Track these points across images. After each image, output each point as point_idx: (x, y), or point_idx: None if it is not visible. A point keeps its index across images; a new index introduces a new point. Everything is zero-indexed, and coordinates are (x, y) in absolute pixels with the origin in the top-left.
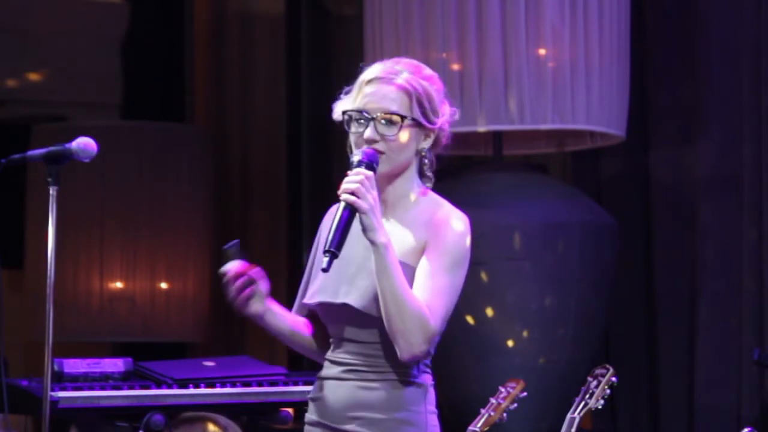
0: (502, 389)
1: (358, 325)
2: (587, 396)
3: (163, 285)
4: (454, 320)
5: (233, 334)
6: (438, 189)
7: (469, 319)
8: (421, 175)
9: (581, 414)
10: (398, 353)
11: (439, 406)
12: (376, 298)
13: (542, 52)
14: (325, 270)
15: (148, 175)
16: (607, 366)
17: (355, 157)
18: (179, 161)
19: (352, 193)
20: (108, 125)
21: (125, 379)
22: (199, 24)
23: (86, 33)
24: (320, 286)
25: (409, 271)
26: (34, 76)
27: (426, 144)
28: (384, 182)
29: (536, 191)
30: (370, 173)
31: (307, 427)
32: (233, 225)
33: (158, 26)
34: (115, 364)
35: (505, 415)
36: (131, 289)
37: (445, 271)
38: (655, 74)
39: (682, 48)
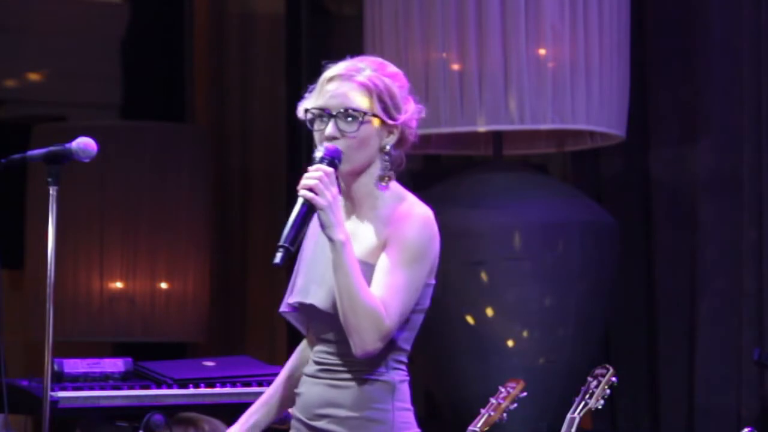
0: (502, 389)
1: (328, 324)
2: (587, 396)
3: (163, 285)
4: (454, 320)
5: (233, 334)
6: (438, 189)
7: (469, 319)
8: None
9: (581, 414)
10: (352, 349)
11: (437, 405)
12: None
13: (542, 52)
14: (277, 264)
15: (148, 175)
16: (607, 366)
17: (317, 153)
18: (179, 161)
19: (311, 189)
20: (108, 125)
21: (125, 379)
22: (199, 24)
23: (86, 33)
24: (298, 286)
25: (371, 270)
26: (34, 76)
27: (389, 141)
28: (349, 180)
29: (536, 191)
30: (330, 169)
31: (291, 421)
32: (233, 225)
33: (158, 26)
34: (115, 364)
35: (505, 415)
36: (131, 289)
37: (403, 268)
38: (655, 74)
39: (682, 48)
